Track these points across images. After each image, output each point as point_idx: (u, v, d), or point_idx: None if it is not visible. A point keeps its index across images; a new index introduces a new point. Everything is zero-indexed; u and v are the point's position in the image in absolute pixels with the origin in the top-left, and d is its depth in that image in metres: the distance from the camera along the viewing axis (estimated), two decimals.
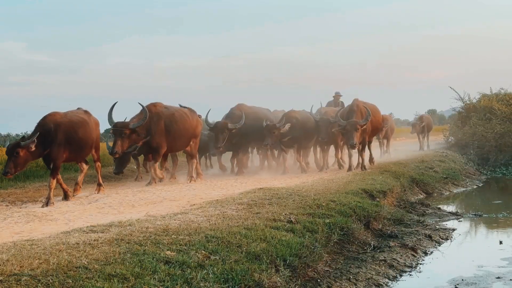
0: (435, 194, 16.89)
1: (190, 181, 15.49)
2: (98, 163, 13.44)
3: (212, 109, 19.85)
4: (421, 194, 16.36)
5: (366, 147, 17.99)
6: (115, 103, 13.86)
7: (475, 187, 19.48)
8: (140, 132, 13.79)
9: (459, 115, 29.84)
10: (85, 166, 13.19)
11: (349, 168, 17.07)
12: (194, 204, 10.17)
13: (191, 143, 15.77)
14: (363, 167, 17.34)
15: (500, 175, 23.57)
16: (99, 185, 13.29)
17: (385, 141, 24.41)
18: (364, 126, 16.51)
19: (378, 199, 12.32)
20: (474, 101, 29.53)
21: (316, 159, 19.38)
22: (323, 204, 10.02)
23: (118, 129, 13.48)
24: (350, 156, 17.24)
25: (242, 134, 17.32)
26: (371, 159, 18.53)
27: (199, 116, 17.04)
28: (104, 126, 16.05)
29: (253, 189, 11.82)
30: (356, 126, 16.24)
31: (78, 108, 13.01)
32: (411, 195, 15.40)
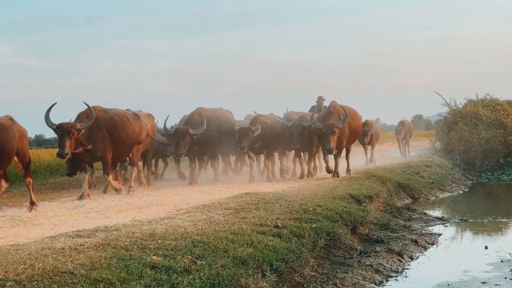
0: (421, 199, 16.96)
1: (128, 192, 13.96)
2: (29, 179, 11.66)
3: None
4: (407, 199, 16.42)
5: (345, 154, 17.44)
6: (54, 104, 12.67)
7: (461, 192, 19.60)
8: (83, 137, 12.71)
9: (445, 121, 29.98)
10: (4, 184, 11.58)
11: (334, 174, 16.44)
12: (180, 209, 10.15)
13: (133, 150, 14.46)
14: (348, 171, 16.96)
15: (486, 180, 23.73)
16: (32, 203, 11.43)
17: (369, 147, 23.34)
18: (341, 128, 15.73)
19: (364, 204, 12.36)
20: (460, 106, 29.72)
21: (295, 166, 18.36)
22: (310, 209, 10.04)
23: (66, 129, 12.33)
24: (336, 163, 16.48)
25: (204, 140, 16.40)
26: (347, 169, 17.36)
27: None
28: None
29: (240, 194, 11.82)
30: (333, 128, 15.43)
31: (5, 116, 12.08)
32: (397, 200, 15.45)
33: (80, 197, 12.89)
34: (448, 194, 18.75)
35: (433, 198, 17.63)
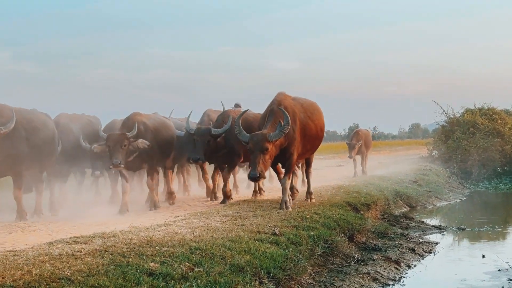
0: (419, 208, 16.96)
1: None
2: None
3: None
4: (405, 208, 16.41)
5: (305, 170, 13.19)
6: None
7: (458, 200, 19.60)
8: None
9: (443, 129, 30.01)
10: None
11: (284, 204, 10.76)
12: (178, 216, 10.15)
13: None
14: (308, 194, 12.42)
15: (483, 189, 23.75)
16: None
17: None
18: (275, 142, 10.36)
19: (362, 212, 12.35)
20: (458, 115, 29.76)
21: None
22: (308, 216, 10.04)
23: None
24: (282, 182, 11.15)
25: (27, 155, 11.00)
26: (308, 192, 12.53)
27: None
28: None
29: (238, 201, 11.82)
30: (263, 144, 10.22)
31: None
32: (394, 208, 15.45)
33: None
34: (446, 203, 18.76)
35: (431, 206, 17.64)
